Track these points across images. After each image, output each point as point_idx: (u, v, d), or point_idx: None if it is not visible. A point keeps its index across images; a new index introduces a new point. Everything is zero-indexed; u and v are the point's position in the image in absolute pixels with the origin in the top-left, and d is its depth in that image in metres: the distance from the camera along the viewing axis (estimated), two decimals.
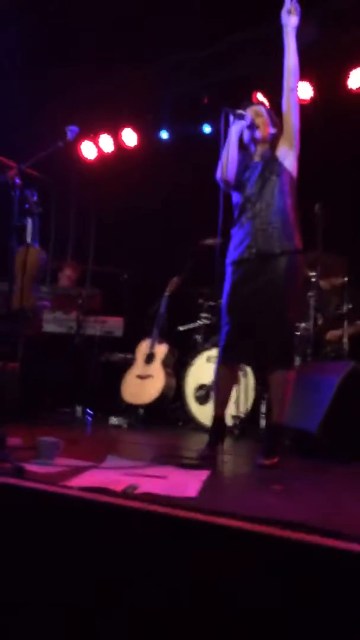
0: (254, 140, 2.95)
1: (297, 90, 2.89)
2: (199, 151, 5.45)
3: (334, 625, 1.37)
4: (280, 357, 2.76)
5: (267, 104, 3.09)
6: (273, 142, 2.93)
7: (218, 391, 2.92)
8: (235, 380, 3.04)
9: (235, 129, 2.88)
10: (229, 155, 2.87)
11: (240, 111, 2.88)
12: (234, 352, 2.83)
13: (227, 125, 2.85)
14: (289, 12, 2.87)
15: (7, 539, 1.86)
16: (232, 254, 2.88)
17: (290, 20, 2.88)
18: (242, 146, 2.97)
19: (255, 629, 1.45)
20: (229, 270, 2.89)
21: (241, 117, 2.87)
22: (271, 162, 2.87)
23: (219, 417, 2.89)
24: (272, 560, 1.48)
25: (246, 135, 2.95)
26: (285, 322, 2.77)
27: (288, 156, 2.87)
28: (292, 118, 2.86)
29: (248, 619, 1.46)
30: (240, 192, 2.91)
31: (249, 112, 2.92)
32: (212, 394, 4.20)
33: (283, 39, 2.90)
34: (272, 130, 2.94)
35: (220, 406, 2.89)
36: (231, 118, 2.87)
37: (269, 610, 1.44)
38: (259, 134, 2.92)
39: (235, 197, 2.94)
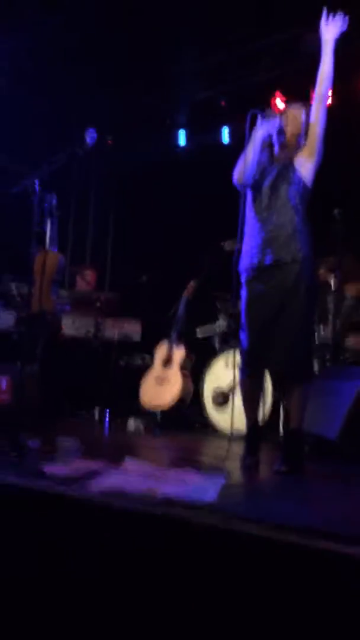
0: (279, 144, 2.88)
1: (327, 102, 2.82)
2: (218, 155, 5.47)
3: (354, 633, 1.36)
4: (298, 364, 2.75)
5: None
6: (299, 151, 2.86)
7: (246, 401, 2.92)
8: (260, 388, 3.04)
9: (262, 131, 2.81)
10: (250, 159, 2.81)
11: (269, 114, 2.80)
12: (256, 363, 2.84)
13: (253, 128, 2.79)
14: (327, 24, 2.78)
15: (26, 540, 1.87)
16: (245, 261, 2.86)
17: (328, 33, 2.79)
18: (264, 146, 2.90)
19: (271, 635, 1.44)
20: (243, 278, 2.87)
21: (270, 118, 2.79)
22: (286, 168, 2.82)
23: (253, 425, 2.91)
24: (290, 567, 1.47)
25: (273, 138, 2.88)
26: (302, 329, 2.76)
27: (305, 166, 2.81)
28: (318, 128, 2.79)
29: (267, 626, 1.45)
30: (254, 193, 2.87)
31: (284, 116, 2.85)
32: (230, 398, 4.20)
33: (320, 50, 2.82)
34: (301, 142, 2.86)
35: (252, 415, 2.91)
36: (259, 120, 2.79)
37: (288, 617, 1.43)
38: (285, 140, 2.86)
39: (250, 197, 2.90)
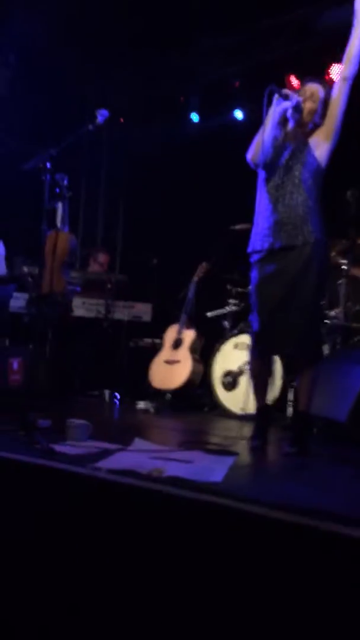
0: (295, 121, 2.79)
1: (351, 81, 2.70)
2: (231, 136, 5.41)
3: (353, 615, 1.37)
4: (309, 346, 2.75)
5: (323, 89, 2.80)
6: (312, 129, 2.80)
7: (256, 383, 2.92)
8: (269, 370, 3.06)
9: (278, 109, 2.73)
10: (266, 137, 2.73)
11: (286, 91, 2.72)
12: (267, 345, 2.83)
13: (269, 105, 2.71)
14: None
15: (37, 518, 1.90)
16: (256, 243, 2.82)
17: None
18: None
19: (277, 617, 1.46)
20: (253, 259, 2.84)
21: (287, 97, 2.71)
22: (301, 148, 2.76)
23: (262, 407, 2.92)
24: (296, 548, 1.48)
25: (289, 114, 2.78)
26: (313, 312, 2.75)
27: (321, 146, 2.75)
28: (338, 109, 2.71)
29: (271, 606, 1.47)
30: (267, 173, 2.81)
31: (301, 93, 2.77)
32: (239, 380, 4.21)
33: (352, 21, 2.72)
34: (318, 121, 2.79)
35: (261, 397, 2.92)
36: (275, 98, 2.72)
37: (291, 598, 1.45)
38: (300, 117, 2.77)
39: (262, 177, 2.84)
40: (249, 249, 2.85)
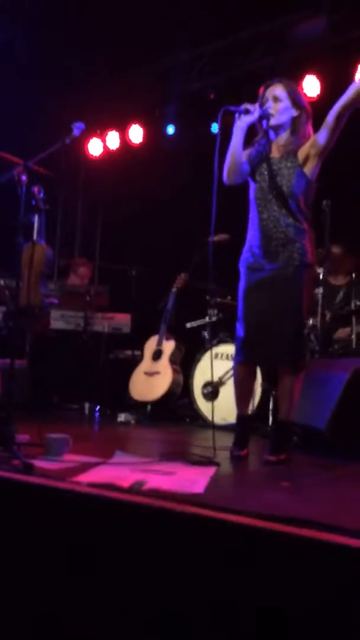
0: (271, 128, 2.77)
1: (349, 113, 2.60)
2: (206, 147, 5.45)
3: (341, 622, 1.37)
4: (291, 355, 2.75)
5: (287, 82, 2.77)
6: (296, 127, 2.74)
7: (238, 391, 2.92)
8: (253, 378, 3.04)
9: (241, 125, 2.72)
10: (234, 159, 2.75)
11: (245, 106, 2.70)
12: (250, 353, 2.83)
13: (230, 125, 2.71)
14: None
15: (15, 534, 1.87)
16: (246, 256, 2.84)
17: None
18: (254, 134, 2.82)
19: (261, 627, 1.45)
20: (242, 271, 2.86)
21: (247, 112, 2.69)
22: (288, 162, 2.72)
23: (243, 415, 2.91)
24: (279, 557, 1.48)
25: (263, 125, 2.77)
26: (297, 322, 2.76)
27: (310, 162, 2.71)
28: (333, 138, 2.64)
29: (254, 617, 1.46)
30: (255, 185, 2.80)
31: (264, 101, 2.74)
32: (219, 390, 4.20)
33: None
34: (294, 113, 2.74)
35: (244, 405, 2.91)
36: (236, 116, 2.72)
37: (274, 608, 1.44)
38: (274, 121, 2.74)
39: (252, 188, 2.83)
40: (241, 260, 2.86)
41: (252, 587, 1.48)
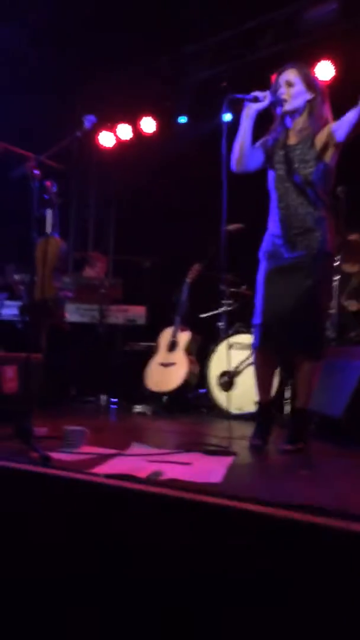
0: (287, 114, 2.71)
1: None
2: (219, 137, 5.41)
3: (355, 612, 1.37)
4: (311, 343, 2.72)
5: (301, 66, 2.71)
6: (312, 109, 2.67)
7: (259, 378, 2.87)
8: (274, 365, 2.99)
9: (250, 113, 2.69)
10: (242, 147, 2.72)
11: (254, 94, 2.66)
12: (269, 337, 2.77)
13: (237, 114, 2.69)
14: None
15: (34, 526, 1.89)
16: (266, 245, 2.81)
17: None
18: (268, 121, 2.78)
19: (274, 614, 1.45)
20: (262, 259, 2.83)
21: (256, 100, 2.66)
22: (305, 148, 2.67)
23: (263, 403, 2.88)
24: (296, 545, 1.47)
25: (278, 111, 2.72)
26: (317, 310, 2.72)
27: (329, 150, 2.65)
28: (352, 134, 2.56)
29: (270, 604, 1.46)
30: (274, 173, 2.75)
31: (278, 84, 2.69)
32: (235, 380, 4.20)
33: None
34: (308, 96, 2.67)
35: (264, 392, 2.87)
36: (245, 104, 2.69)
37: (289, 595, 1.44)
38: (288, 106, 2.68)
39: (270, 177, 2.79)
40: (261, 250, 2.83)
41: (271, 576, 1.48)
